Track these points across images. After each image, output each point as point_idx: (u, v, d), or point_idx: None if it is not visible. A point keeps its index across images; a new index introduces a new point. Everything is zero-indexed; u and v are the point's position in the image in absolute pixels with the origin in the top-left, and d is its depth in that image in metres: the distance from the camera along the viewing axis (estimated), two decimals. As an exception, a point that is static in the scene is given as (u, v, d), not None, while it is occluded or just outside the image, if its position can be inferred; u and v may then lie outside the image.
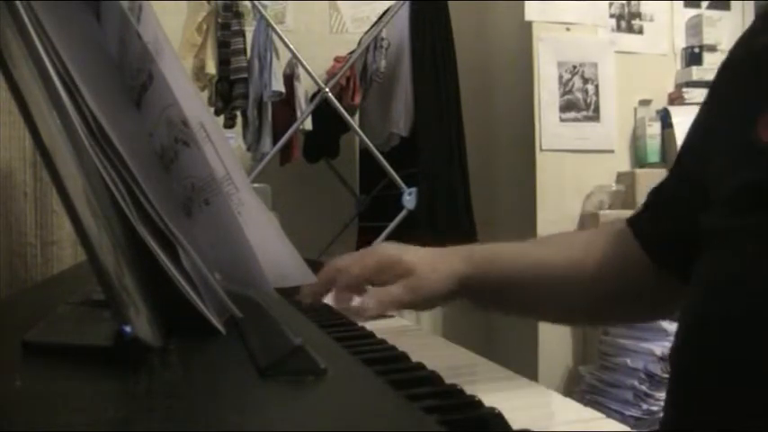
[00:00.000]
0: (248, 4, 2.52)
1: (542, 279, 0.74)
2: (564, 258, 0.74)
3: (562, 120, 2.76)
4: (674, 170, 0.72)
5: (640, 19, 2.89)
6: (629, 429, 0.37)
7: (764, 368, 0.49)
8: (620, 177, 2.79)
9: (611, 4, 2.85)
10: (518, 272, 0.74)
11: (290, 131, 2.49)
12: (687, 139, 0.70)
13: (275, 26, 2.48)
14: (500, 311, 0.84)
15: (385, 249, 0.77)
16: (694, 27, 2.92)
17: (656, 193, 0.73)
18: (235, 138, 2.70)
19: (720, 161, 0.59)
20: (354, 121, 2.66)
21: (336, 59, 2.84)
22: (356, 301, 0.73)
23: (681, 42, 2.94)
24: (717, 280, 0.56)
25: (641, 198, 3.01)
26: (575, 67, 2.77)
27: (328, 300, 0.76)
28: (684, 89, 2.84)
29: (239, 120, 2.70)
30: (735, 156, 0.57)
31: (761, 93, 0.56)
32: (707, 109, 0.67)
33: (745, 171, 0.55)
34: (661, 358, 2.21)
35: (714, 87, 0.66)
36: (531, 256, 0.76)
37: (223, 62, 2.52)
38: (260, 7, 2.47)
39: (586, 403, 0.42)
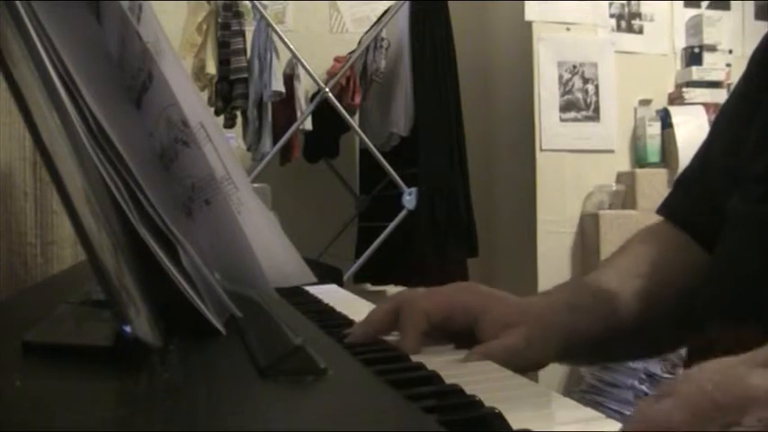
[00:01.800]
0: (248, 4, 2.52)
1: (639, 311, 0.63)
2: (654, 285, 0.64)
3: (562, 120, 2.76)
4: (701, 151, 0.69)
5: (640, 19, 2.89)
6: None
7: None
8: (620, 177, 2.79)
9: (611, 4, 2.85)
10: (630, 312, 0.62)
11: (290, 131, 2.49)
12: (723, 113, 0.68)
13: (275, 26, 2.48)
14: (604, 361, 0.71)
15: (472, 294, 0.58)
16: (694, 27, 2.92)
17: (684, 178, 0.70)
18: (235, 138, 2.70)
19: (755, 136, 0.58)
20: (354, 121, 2.66)
21: (336, 59, 2.84)
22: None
23: (681, 42, 2.94)
24: (737, 267, 0.54)
25: (641, 198, 3.00)
26: (575, 67, 2.77)
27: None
28: (684, 89, 2.84)
29: (239, 120, 2.70)
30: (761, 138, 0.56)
31: None
32: (734, 98, 0.66)
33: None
34: (661, 358, 2.21)
35: (751, 64, 0.65)
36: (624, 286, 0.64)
37: (223, 62, 2.52)
38: (260, 7, 2.47)
39: (586, 403, 0.41)
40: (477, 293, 0.58)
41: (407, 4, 2.50)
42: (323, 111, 2.52)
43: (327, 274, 0.99)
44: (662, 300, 0.64)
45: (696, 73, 2.84)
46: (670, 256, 0.67)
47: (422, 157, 2.48)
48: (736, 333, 0.52)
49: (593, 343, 0.60)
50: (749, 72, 0.65)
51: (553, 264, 2.70)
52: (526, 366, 0.54)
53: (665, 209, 0.71)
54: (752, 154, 0.57)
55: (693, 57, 2.88)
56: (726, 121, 0.68)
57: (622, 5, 2.87)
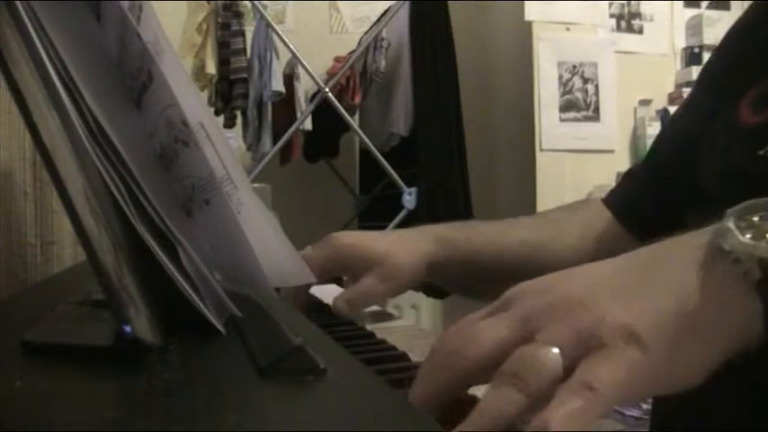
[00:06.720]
0: (248, 4, 2.52)
1: (519, 259, 0.72)
2: (544, 237, 0.73)
3: (562, 120, 2.76)
4: (650, 155, 0.73)
5: (640, 19, 2.89)
6: (629, 429, 0.37)
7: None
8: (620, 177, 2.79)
9: (611, 4, 2.85)
10: (491, 253, 0.72)
11: (290, 131, 2.49)
12: (672, 125, 0.70)
13: (275, 26, 2.49)
14: (468, 295, 0.79)
15: (343, 238, 0.70)
16: (694, 27, 2.92)
17: (632, 175, 0.75)
18: (235, 138, 2.70)
19: (704, 147, 0.59)
20: (354, 121, 2.66)
21: (336, 59, 2.84)
22: (327, 298, 0.69)
23: (681, 42, 2.94)
24: None
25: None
26: (575, 67, 2.77)
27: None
28: (684, 89, 2.84)
29: (239, 120, 2.70)
30: (717, 139, 0.57)
31: (743, 75, 0.56)
32: (693, 96, 0.68)
33: (725, 155, 0.55)
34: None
35: (701, 75, 0.67)
36: (506, 236, 0.74)
37: (223, 62, 2.52)
38: (260, 7, 2.47)
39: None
40: (345, 245, 0.69)
41: (407, 4, 2.50)
42: (323, 111, 2.52)
43: (327, 274, 0.98)
44: (546, 252, 0.72)
45: (696, 73, 2.84)
46: (579, 220, 0.74)
47: (422, 157, 2.48)
48: None
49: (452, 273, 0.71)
50: (696, 88, 0.67)
51: (553, 264, 2.70)
52: (390, 294, 0.67)
53: (606, 196, 0.77)
54: (704, 161, 0.58)
55: (693, 57, 2.89)
56: (677, 125, 0.70)
57: (622, 5, 2.87)
